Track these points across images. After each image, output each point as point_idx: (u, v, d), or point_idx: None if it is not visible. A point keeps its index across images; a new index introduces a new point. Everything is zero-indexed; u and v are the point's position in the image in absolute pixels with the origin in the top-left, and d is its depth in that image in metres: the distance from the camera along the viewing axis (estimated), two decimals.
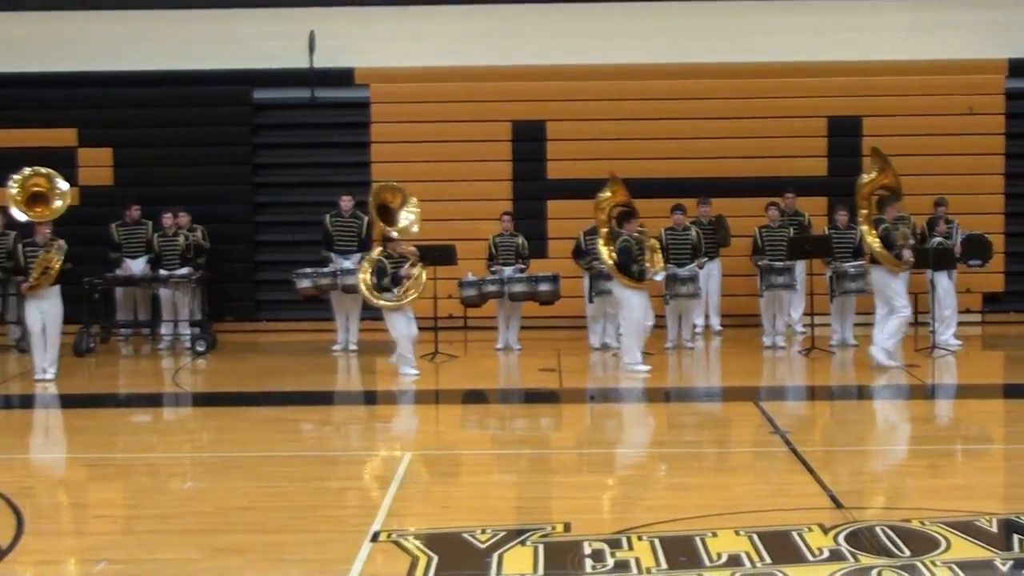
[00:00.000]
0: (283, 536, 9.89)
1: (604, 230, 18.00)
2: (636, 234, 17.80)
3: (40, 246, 17.54)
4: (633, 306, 17.70)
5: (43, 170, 18.05)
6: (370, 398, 17.79)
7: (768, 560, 8.98)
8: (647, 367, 17.74)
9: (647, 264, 17.82)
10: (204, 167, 23.15)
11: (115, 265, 21.32)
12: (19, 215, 17.88)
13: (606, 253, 17.80)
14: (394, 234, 17.89)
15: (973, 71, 23.23)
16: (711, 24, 23.15)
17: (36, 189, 17.79)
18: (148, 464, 12.96)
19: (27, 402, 17.02)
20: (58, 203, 17.78)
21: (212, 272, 21.40)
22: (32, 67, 23.16)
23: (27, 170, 18.01)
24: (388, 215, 18.06)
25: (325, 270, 20.33)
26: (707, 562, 8.97)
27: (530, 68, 23.25)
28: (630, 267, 17.65)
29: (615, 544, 9.35)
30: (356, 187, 22.06)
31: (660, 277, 18.29)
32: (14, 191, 17.74)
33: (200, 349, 20.43)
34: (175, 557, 9.32)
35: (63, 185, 18.02)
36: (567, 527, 9.88)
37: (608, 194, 18.17)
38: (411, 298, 17.59)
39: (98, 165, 22.79)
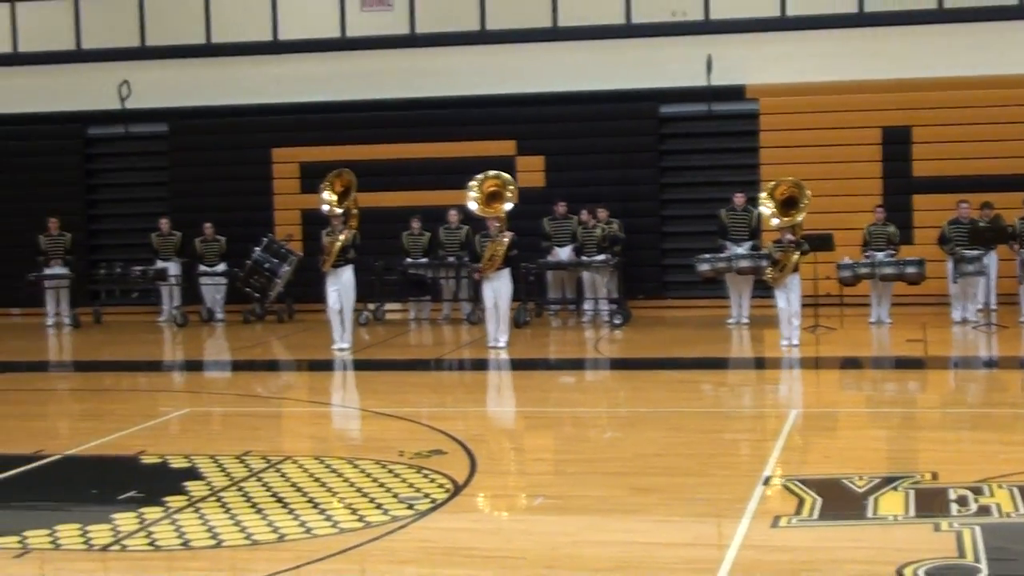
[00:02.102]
0: (688, 479, 9.90)
1: None
2: None
3: (491, 237, 17.93)
4: None
5: (499, 174, 18.41)
6: (759, 363, 17.63)
7: None
8: None
9: None
10: (619, 170, 23.31)
11: (546, 252, 21.69)
12: (475, 211, 18.24)
13: None
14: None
15: None
16: None
17: (492, 189, 18.14)
18: (575, 417, 13.15)
19: (478, 365, 17.45)
20: (509, 203, 18.08)
21: (626, 258, 21.53)
22: (479, 91, 23.74)
23: (487, 173, 18.31)
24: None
25: (721, 255, 20.26)
26: None
27: (897, 81, 22.63)
28: None
29: (977, 491, 9.02)
30: (747, 185, 21.93)
31: None
32: (473, 192, 18.12)
33: (617, 322, 20.61)
34: (599, 494, 9.40)
35: (513, 186, 18.33)
36: (934, 476, 9.58)
37: None
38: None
39: (532, 170, 23.17)
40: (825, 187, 20.67)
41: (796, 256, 17.26)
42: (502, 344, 17.95)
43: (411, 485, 9.64)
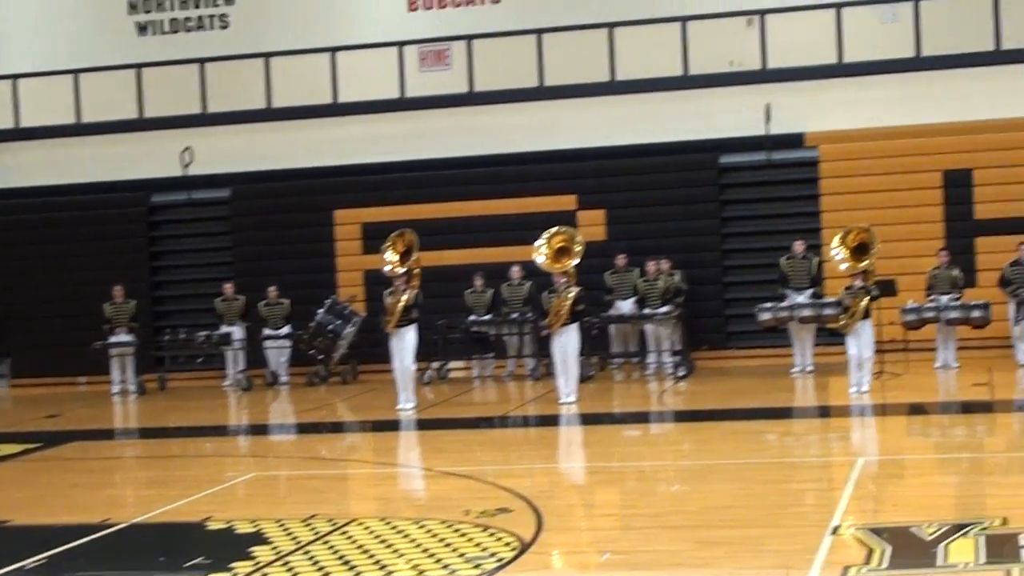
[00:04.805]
0: (757, 530, 9.84)
1: None
2: None
3: (558, 292, 17.97)
4: None
5: (567, 229, 18.54)
6: (824, 412, 17.54)
7: None
8: None
9: None
10: (680, 221, 23.32)
11: (609, 306, 21.70)
12: (543, 265, 18.28)
13: None
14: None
15: None
16: None
17: (560, 244, 18.23)
18: (640, 471, 13.13)
19: (543, 421, 17.46)
20: (576, 258, 18.15)
21: (689, 309, 21.51)
22: (539, 147, 23.86)
23: (556, 228, 18.41)
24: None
25: (783, 304, 20.22)
26: None
27: (957, 124, 22.57)
28: None
29: None
30: (808, 233, 21.90)
31: None
32: (542, 247, 18.21)
33: (681, 374, 20.58)
34: (667, 549, 9.37)
35: (581, 241, 18.37)
36: (1004, 521, 9.49)
37: None
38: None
39: (594, 224, 23.23)
40: (887, 232, 20.55)
41: (866, 302, 17.20)
42: (572, 399, 17.95)
43: (477, 544, 9.64)
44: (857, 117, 22.96)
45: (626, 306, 21.68)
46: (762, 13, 23.19)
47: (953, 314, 19.51)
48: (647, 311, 21.21)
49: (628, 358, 22.26)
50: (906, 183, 22.61)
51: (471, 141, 24.06)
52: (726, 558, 9.01)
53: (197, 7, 25.31)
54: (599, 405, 18.57)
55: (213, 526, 10.93)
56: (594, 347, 21.27)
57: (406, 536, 10.02)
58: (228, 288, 23.15)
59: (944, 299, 19.75)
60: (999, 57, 22.33)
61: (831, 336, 20.00)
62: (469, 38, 24.12)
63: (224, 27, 25.26)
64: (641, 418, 17.48)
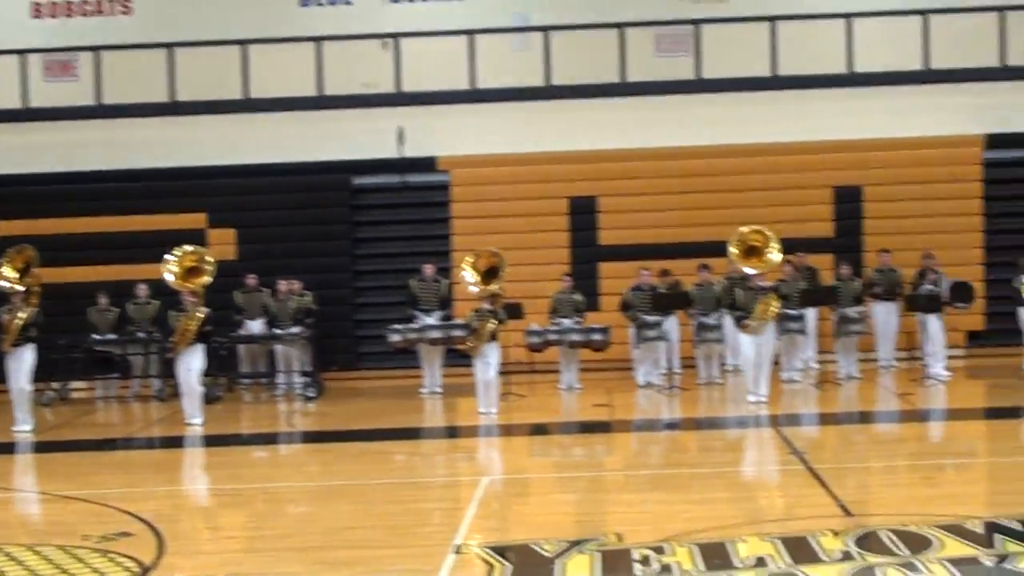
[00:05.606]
0: (381, 551, 9.91)
1: None
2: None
3: (186, 311, 17.65)
4: None
5: (197, 248, 18.32)
6: (452, 432, 17.80)
7: (790, 561, 8.91)
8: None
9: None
10: (312, 242, 23.33)
11: (238, 326, 21.49)
12: (173, 283, 17.94)
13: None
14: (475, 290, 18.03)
15: (955, 145, 23.16)
16: (736, 110, 23.14)
17: (191, 264, 17.97)
18: (267, 492, 13.02)
19: (168, 442, 17.11)
20: (207, 277, 17.92)
21: (319, 330, 21.48)
22: (169, 163, 23.45)
23: (186, 248, 18.14)
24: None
25: (413, 326, 20.45)
26: (738, 564, 8.92)
27: (583, 152, 23.36)
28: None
29: (659, 551, 9.30)
30: (439, 256, 22.26)
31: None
32: (172, 265, 17.87)
33: (310, 395, 20.51)
34: (291, 571, 9.34)
35: (212, 261, 18.16)
36: (619, 537, 9.84)
37: None
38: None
39: (224, 243, 22.95)
40: (515, 256, 21.05)
41: (493, 324, 17.55)
42: (197, 422, 17.66)
43: (96, 570, 9.36)
44: (489, 143, 23.49)
45: (256, 326, 21.49)
46: (397, 36, 23.44)
47: (575, 337, 20.11)
48: (277, 331, 21.06)
49: (257, 379, 22.05)
50: (534, 209, 23.27)
51: (98, 155, 23.48)
52: None
53: None
54: (226, 426, 18.30)
55: None
56: (223, 367, 20.98)
57: (20, 563, 9.64)
58: None
59: (567, 322, 20.33)
60: (624, 89, 23.22)
61: (460, 357, 20.34)
62: (96, 48, 23.48)
63: None
64: (269, 439, 17.30)
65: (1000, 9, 23.00)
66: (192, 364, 17.62)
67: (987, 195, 23.13)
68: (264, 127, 23.52)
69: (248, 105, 23.49)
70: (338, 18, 23.87)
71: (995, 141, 23.19)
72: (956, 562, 8.72)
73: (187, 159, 23.49)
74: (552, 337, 20.08)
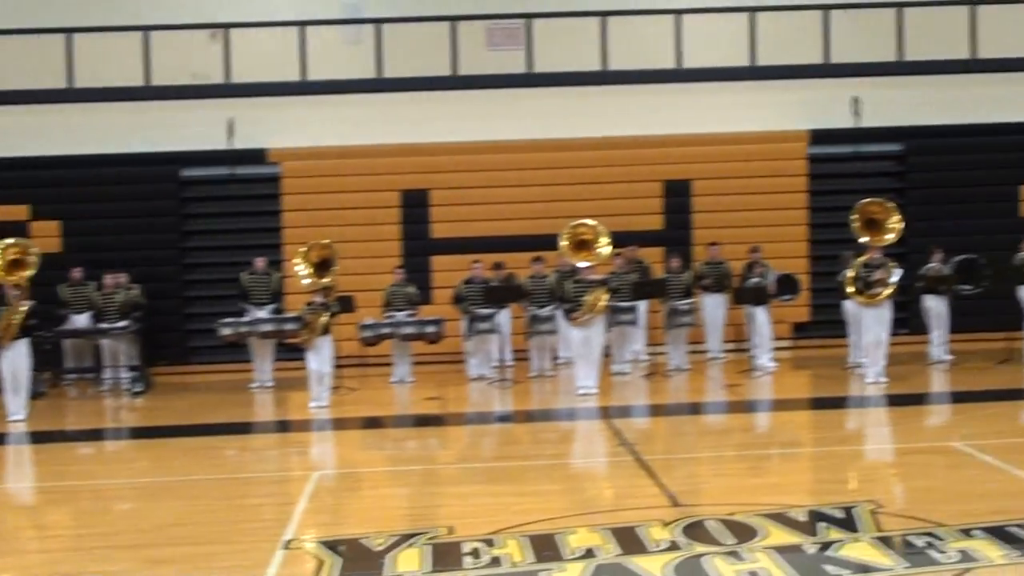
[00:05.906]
0: (210, 547, 9.80)
1: None
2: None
3: (9, 305, 17.26)
4: None
5: (20, 240, 18.01)
6: (283, 426, 17.65)
7: (619, 551, 9.02)
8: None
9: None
10: (140, 235, 22.93)
11: (62, 320, 21.04)
12: None
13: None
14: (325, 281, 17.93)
15: (781, 140, 23.61)
16: (567, 105, 23.34)
17: (14, 256, 17.66)
18: (93, 490, 12.78)
19: None
20: (32, 269, 17.59)
21: (148, 324, 21.13)
22: None
23: (7, 241, 17.87)
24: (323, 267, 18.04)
25: (243, 319, 20.25)
26: (567, 555, 8.99)
27: (415, 145, 23.33)
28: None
29: (490, 543, 9.36)
30: (270, 248, 22.07)
31: None
32: None
33: (138, 390, 20.17)
34: (117, 569, 9.21)
35: (36, 252, 17.84)
36: (450, 530, 9.86)
37: None
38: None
39: (48, 236, 22.44)
40: (348, 249, 20.95)
41: (326, 317, 17.46)
42: (21, 417, 17.26)
43: None
44: (320, 135, 23.36)
45: (82, 320, 21.07)
46: (227, 27, 23.17)
47: (408, 330, 20.09)
48: (104, 326, 20.67)
49: (83, 374, 21.61)
50: (366, 201, 23.18)
51: None
52: None
53: None
54: (51, 423, 17.90)
55: None
56: (47, 362, 20.50)
57: None
58: None
59: (400, 315, 20.30)
60: (454, 82, 23.27)
61: (291, 351, 20.20)
62: None
63: None
64: (95, 435, 16.99)
65: (824, 8, 23.54)
66: (16, 360, 17.24)
67: (812, 189, 23.61)
68: (90, 117, 23.06)
69: (73, 95, 23.02)
70: (167, 7, 23.49)
71: (819, 137, 23.68)
72: (781, 550, 8.91)
73: (9, 149, 22.92)
74: (385, 331, 20.04)
